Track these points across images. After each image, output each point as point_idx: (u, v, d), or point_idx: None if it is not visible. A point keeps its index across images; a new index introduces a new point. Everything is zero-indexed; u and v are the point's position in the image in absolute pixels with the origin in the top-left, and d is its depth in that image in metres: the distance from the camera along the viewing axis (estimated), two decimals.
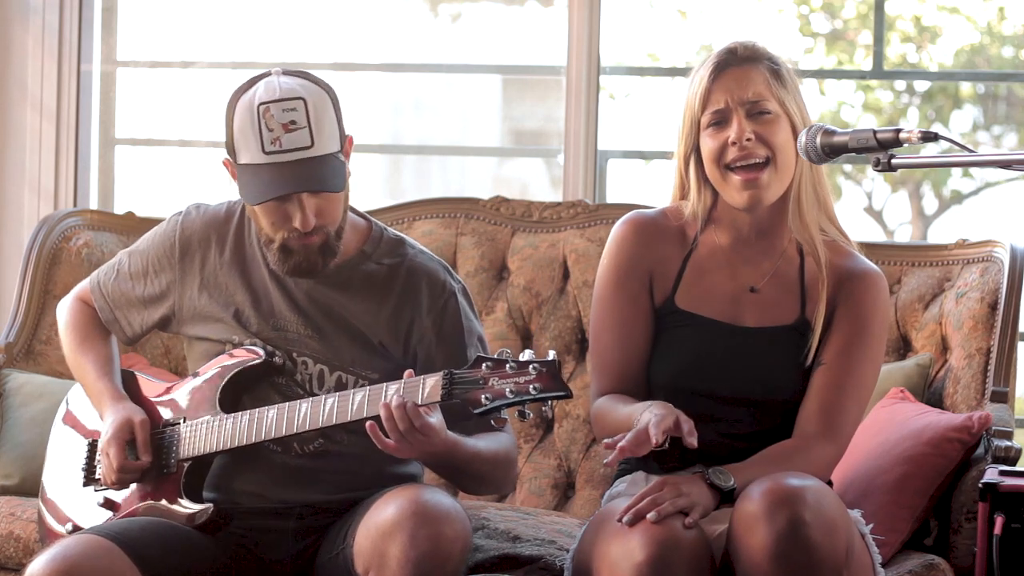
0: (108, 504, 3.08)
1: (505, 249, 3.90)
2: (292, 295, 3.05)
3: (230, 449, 2.98)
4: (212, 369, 3.06)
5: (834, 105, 7.95)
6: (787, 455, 2.82)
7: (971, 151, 2.59)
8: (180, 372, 3.84)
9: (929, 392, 3.50)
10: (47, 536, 3.18)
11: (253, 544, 3.00)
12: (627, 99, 6.64)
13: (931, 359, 3.53)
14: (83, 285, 3.26)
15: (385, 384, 2.82)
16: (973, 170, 7.81)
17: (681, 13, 7.28)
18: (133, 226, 4.05)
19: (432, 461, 2.91)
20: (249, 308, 3.07)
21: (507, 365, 2.70)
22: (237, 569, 2.98)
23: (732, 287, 2.95)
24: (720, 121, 2.89)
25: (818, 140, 2.66)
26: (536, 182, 6.60)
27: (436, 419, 2.79)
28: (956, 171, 8.13)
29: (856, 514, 2.86)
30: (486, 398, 2.69)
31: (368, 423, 2.78)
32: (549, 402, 2.69)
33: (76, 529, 3.09)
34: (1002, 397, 3.40)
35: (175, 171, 5.24)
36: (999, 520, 2.77)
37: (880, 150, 2.61)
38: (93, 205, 4.76)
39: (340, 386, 3.01)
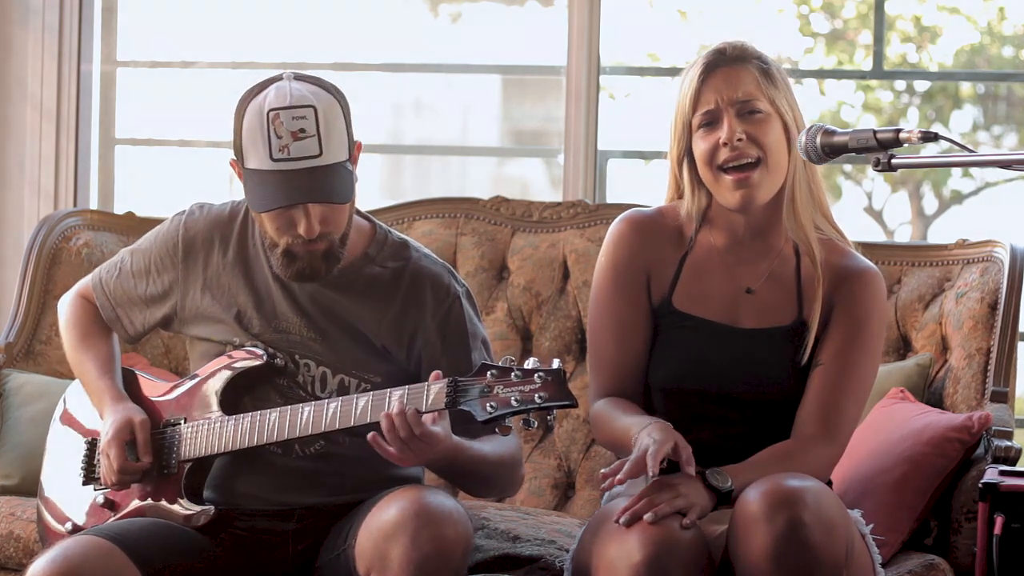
0: (108, 504, 3.08)
1: (505, 249, 3.90)
2: (295, 297, 3.05)
3: (231, 451, 2.98)
4: (213, 370, 3.05)
5: (834, 105, 7.95)
6: (785, 456, 2.82)
7: (971, 151, 2.59)
8: (180, 372, 3.83)
9: (929, 392, 3.50)
10: (46, 535, 3.18)
11: (253, 545, 3.00)
12: (627, 99, 6.64)
13: (931, 359, 3.53)
14: (85, 282, 3.26)
15: (389, 390, 2.82)
16: (973, 170, 7.81)
17: (681, 13, 7.28)
18: (133, 226, 4.05)
19: (436, 466, 2.91)
20: (251, 309, 3.06)
21: (512, 373, 2.69)
22: (237, 570, 2.98)
23: (729, 288, 2.95)
24: (711, 122, 2.88)
25: (818, 140, 2.66)
26: (536, 182, 6.60)
27: (441, 428, 2.78)
28: (956, 171, 8.13)
29: (856, 514, 2.86)
30: (491, 406, 2.68)
31: (370, 434, 2.77)
32: (553, 411, 2.69)
33: (76, 529, 3.08)
34: (1002, 397, 3.40)
35: (175, 171, 5.24)
36: (999, 520, 2.77)
37: (880, 150, 2.60)
38: (93, 205, 4.76)
39: (342, 389, 3.01)
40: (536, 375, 2.67)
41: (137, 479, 3.02)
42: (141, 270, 3.16)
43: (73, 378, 3.25)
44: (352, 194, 2.94)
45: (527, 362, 2.70)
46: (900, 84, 8.11)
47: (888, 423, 3.34)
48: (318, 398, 2.98)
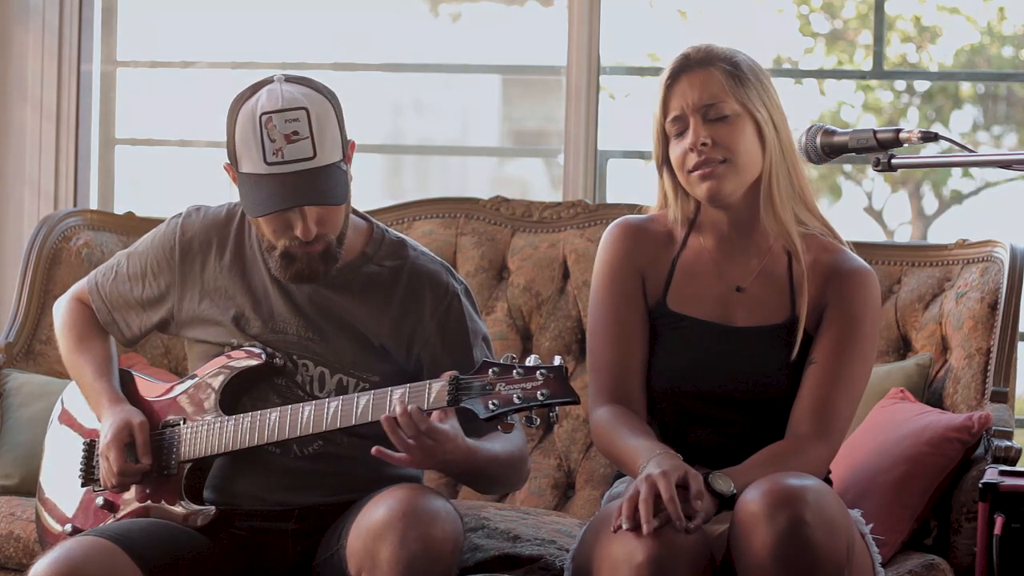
0: (108, 506, 3.08)
1: (505, 249, 3.90)
2: (293, 297, 3.05)
3: (231, 451, 2.98)
4: (211, 370, 3.05)
5: (834, 105, 7.95)
6: (782, 456, 2.82)
7: (971, 151, 2.59)
8: (180, 372, 3.83)
9: (929, 392, 3.50)
10: (45, 537, 3.18)
11: (253, 545, 3.00)
12: (627, 99, 6.64)
13: (931, 359, 3.53)
14: (80, 285, 3.25)
15: (390, 389, 2.82)
16: (973, 170, 7.81)
17: (681, 13, 7.28)
18: (133, 226, 4.05)
19: (454, 470, 2.89)
20: (249, 311, 3.06)
21: (514, 371, 2.69)
22: (237, 570, 2.98)
23: (720, 287, 2.95)
24: (682, 129, 2.90)
25: (818, 140, 2.66)
26: (536, 182, 6.60)
27: (450, 425, 2.78)
28: (956, 171, 8.13)
29: (856, 514, 2.86)
30: (493, 404, 2.68)
31: (374, 448, 2.77)
32: (556, 408, 2.69)
33: (75, 531, 3.08)
34: (1002, 397, 3.40)
35: (175, 171, 5.24)
36: (999, 520, 2.77)
37: (880, 150, 2.61)
38: (93, 205, 4.76)
39: (341, 388, 3.01)
40: (538, 372, 2.67)
41: (137, 480, 3.02)
42: (137, 273, 3.16)
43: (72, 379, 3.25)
44: (347, 194, 2.94)
45: (529, 359, 2.70)
46: (900, 84, 8.11)
47: (888, 423, 3.34)
48: (316, 398, 2.98)
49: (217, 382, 3.03)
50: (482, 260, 3.88)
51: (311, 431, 2.89)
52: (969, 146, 2.58)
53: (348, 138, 2.99)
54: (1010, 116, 7.70)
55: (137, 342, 3.24)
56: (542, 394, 2.66)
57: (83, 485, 3.13)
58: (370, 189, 5.80)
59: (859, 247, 3.65)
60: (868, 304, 2.92)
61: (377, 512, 2.77)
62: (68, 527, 3.12)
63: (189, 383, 3.08)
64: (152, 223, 3.81)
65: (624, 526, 2.63)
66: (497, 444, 2.92)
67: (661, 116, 2.92)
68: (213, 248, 3.11)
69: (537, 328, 3.82)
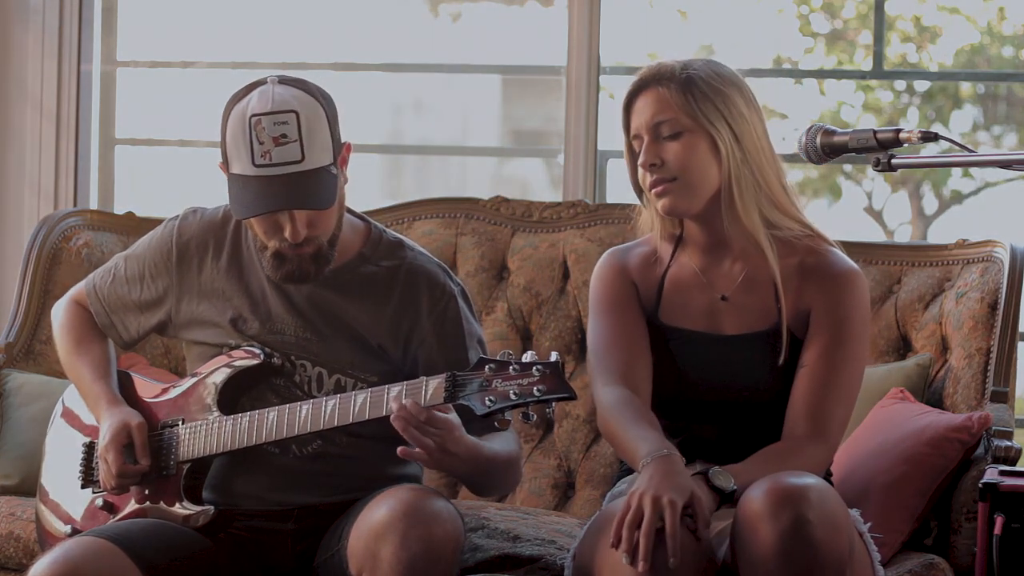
0: (107, 507, 3.08)
1: (505, 249, 3.90)
2: (290, 298, 3.05)
3: (230, 451, 2.98)
4: (210, 370, 3.05)
5: (834, 105, 7.95)
6: (780, 456, 2.82)
7: (971, 151, 2.59)
8: (180, 372, 3.83)
9: (929, 392, 3.50)
10: (45, 538, 3.18)
11: (253, 546, 3.00)
12: None
13: (931, 359, 3.53)
14: (78, 288, 3.25)
15: (387, 386, 2.82)
16: (973, 170, 7.81)
17: (681, 13, 7.28)
18: (133, 226, 4.05)
19: (457, 466, 2.89)
20: (247, 312, 3.06)
21: (510, 367, 2.69)
22: (237, 570, 2.98)
23: (706, 298, 2.96)
24: (640, 147, 2.92)
25: (818, 140, 2.66)
26: (536, 182, 6.61)
27: (453, 416, 2.78)
28: (956, 171, 8.13)
29: (854, 513, 2.86)
30: (489, 400, 2.68)
31: (400, 449, 2.77)
32: (552, 404, 2.69)
33: (75, 532, 3.08)
34: (1002, 397, 3.40)
35: (175, 171, 5.24)
36: (999, 520, 2.77)
37: (880, 150, 2.61)
38: (93, 205, 4.75)
39: (339, 388, 3.01)
40: (534, 368, 2.68)
41: (136, 482, 3.02)
42: (135, 276, 3.16)
43: None
44: (335, 198, 2.93)
45: (525, 356, 2.70)
46: (900, 84, 8.11)
47: (888, 423, 3.34)
48: (315, 398, 2.98)
49: (216, 382, 3.03)
50: (482, 260, 3.88)
51: (309, 430, 2.89)
52: (969, 146, 2.58)
53: (343, 141, 2.99)
54: (1010, 116, 7.70)
55: (135, 344, 3.24)
56: (539, 390, 2.67)
57: (83, 487, 3.13)
58: (370, 189, 5.80)
59: (859, 247, 3.67)
60: (855, 305, 2.91)
61: (378, 512, 2.77)
62: (68, 529, 3.12)
63: (187, 384, 3.08)
64: (152, 223, 3.81)
65: (624, 560, 2.62)
66: (496, 443, 2.93)
67: (625, 136, 2.95)
68: (210, 250, 3.11)
69: (537, 328, 3.82)
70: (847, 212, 8.36)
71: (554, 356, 2.69)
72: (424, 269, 3.06)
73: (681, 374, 2.93)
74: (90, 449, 3.14)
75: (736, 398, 2.91)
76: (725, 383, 2.91)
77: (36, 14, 4.70)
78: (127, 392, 3.14)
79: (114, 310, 3.19)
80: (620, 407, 2.87)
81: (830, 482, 2.96)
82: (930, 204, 8.37)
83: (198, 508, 2.98)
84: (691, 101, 2.87)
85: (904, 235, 8.38)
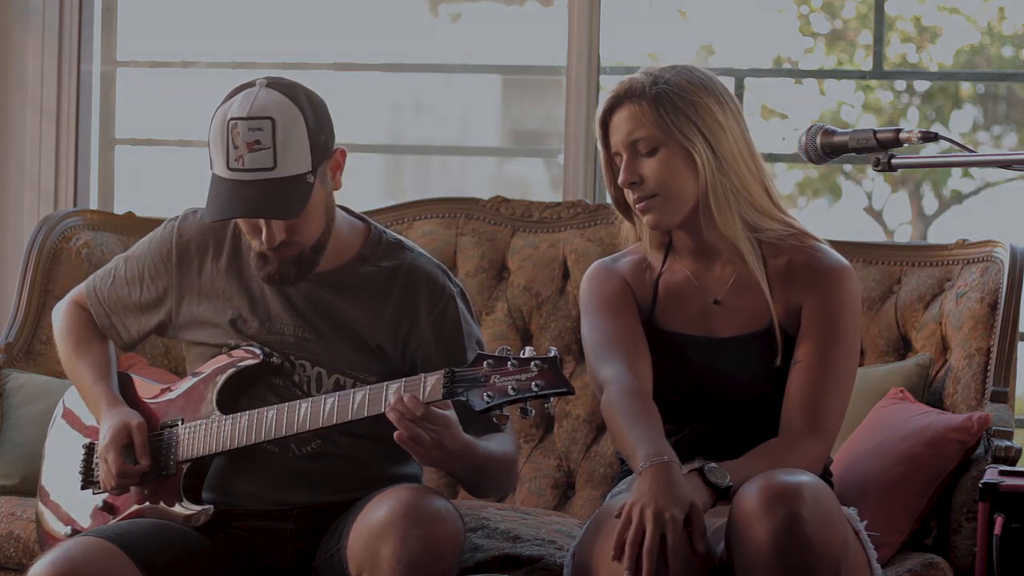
0: (107, 507, 3.08)
1: (505, 249, 3.90)
2: (290, 298, 3.05)
3: (229, 450, 2.98)
4: (209, 370, 3.06)
5: (834, 105, 7.95)
6: (777, 451, 2.83)
7: (971, 151, 2.59)
8: (180, 372, 3.83)
9: (929, 392, 3.50)
10: (45, 539, 3.18)
11: (253, 545, 3.00)
12: None
13: (931, 359, 3.53)
14: (79, 289, 3.26)
15: (385, 383, 2.82)
16: (973, 170, 7.81)
17: (681, 13, 7.28)
18: (133, 226, 4.05)
19: (453, 464, 2.89)
20: (247, 312, 3.06)
21: (508, 362, 2.70)
22: (237, 570, 2.98)
23: (699, 302, 2.97)
24: (620, 164, 2.93)
25: (818, 140, 2.66)
26: (536, 182, 6.60)
27: (450, 413, 2.78)
28: (956, 171, 8.13)
29: (851, 511, 2.86)
30: (488, 396, 2.68)
31: (397, 433, 2.77)
32: (551, 399, 2.69)
33: (76, 532, 3.09)
34: (1002, 397, 3.40)
35: (175, 171, 5.24)
36: (999, 520, 2.77)
37: (880, 150, 2.61)
38: (93, 205, 4.76)
39: (338, 389, 3.01)
40: (532, 363, 2.68)
41: (136, 482, 3.02)
42: (135, 277, 3.16)
43: None
44: (303, 208, 2.91)
45: (523, 351, 2.71)
46: (900, 84, 8.11)
47: (888, 423, 3.34)
48: (314, 397, 2.97)
49: (215, 382, 3.03)
50: (482, 260, 3.88)
51: (308, 428, 2.89)
52: (969, 146, 2.58)
53: (334, 147, 2.97)
54: (1010, 116, 7.70)
55: (135, 345, 3.24)
56: (536, 385, 2.67)
57: (83, 488, 3.13)
58: (370, 189, 5.80)
59: (859, 247, 3.67)
60: (845, 300, 2.92)
61: (378, 512, 2.77)
62: (68, 530, 3.12)
63: (187, 384, 3.08)
64: (152, 223, 3.81)
65: None
66: (493, 443, 2.93)
67: (604, 152, 2.96)
68: (210, 250, 3.11)
69: (537, 328, 3.82)
70: (847, 212, 8.36)
71: (552, 351, 2.69)
72: (424, 270, 3.06)
73: (678, 377, 2.93)
74: (90, 450, 3.14)
75: (732, 398, 2.92)
76: (721, 384, 2.92)
77: (36, 14, 4.70)
78: (127, 393, 3.14)
79: (114, 311, 3.19)
80: (627, 396, 2.85)
81: (830, 483, 2.97)
82: (930, 204, 8.36)
83: (198, 508, 2.98)
84: (663, 115, 2.88)
85: (904, 235, 8.38)
